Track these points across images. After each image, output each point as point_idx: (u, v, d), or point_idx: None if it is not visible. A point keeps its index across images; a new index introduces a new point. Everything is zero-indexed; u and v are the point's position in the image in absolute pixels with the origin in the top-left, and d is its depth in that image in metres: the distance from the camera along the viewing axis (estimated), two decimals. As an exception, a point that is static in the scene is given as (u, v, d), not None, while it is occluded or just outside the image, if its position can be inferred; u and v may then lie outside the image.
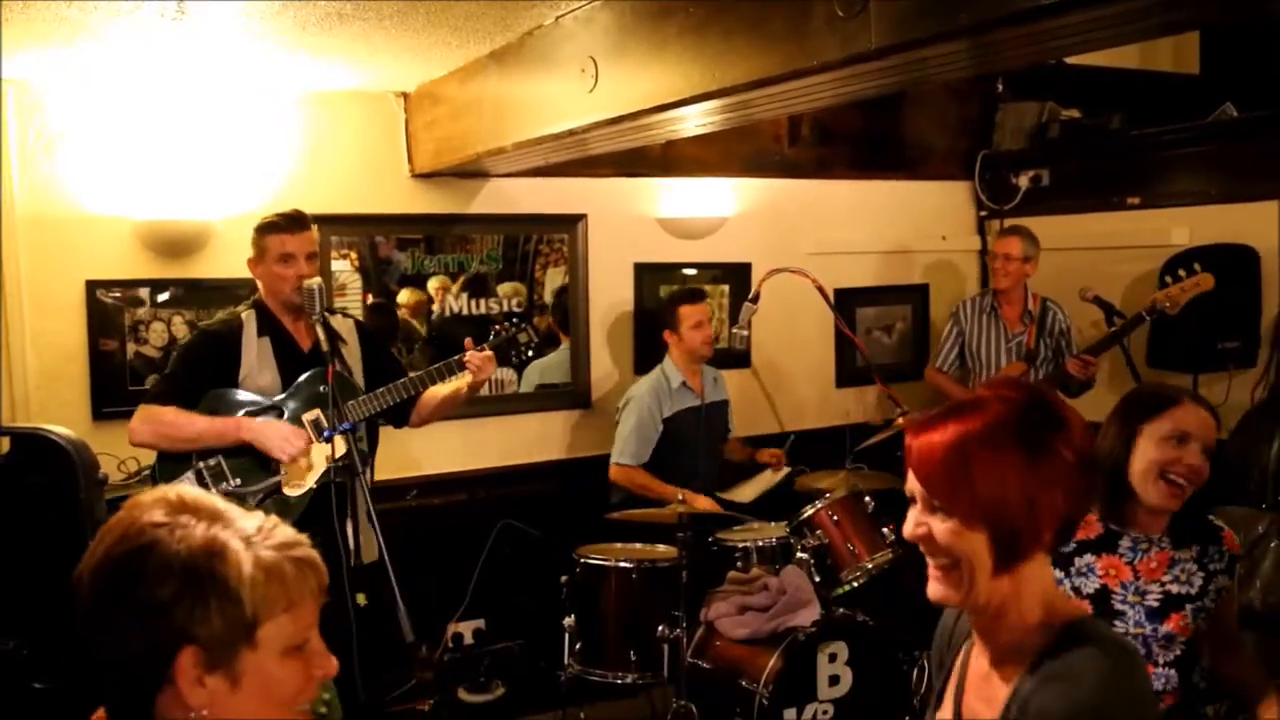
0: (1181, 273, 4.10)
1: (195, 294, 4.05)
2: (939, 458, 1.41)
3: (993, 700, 1.46)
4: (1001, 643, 1.47)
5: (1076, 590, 2.24)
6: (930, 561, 1.46)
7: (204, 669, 1.15)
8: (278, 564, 1.19)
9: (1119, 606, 2.23)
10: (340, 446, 3.06)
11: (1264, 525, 3.16)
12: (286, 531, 1.24)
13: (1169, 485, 2.18)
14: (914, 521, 1.46)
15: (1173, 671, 2.23)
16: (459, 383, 3.49)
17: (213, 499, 1.23)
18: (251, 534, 1.20)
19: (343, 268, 4.34)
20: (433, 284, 4.52)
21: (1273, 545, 3.12)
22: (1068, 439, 1.41)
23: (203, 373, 3.23)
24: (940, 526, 1.42)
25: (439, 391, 3.53)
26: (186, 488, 1.24)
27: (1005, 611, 1.43)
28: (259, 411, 3.23)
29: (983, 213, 5.68)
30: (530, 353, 3.70)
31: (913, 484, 1.46)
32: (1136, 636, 2.21)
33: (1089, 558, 2.26)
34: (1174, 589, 2.24)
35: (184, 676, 1.15)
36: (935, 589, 1.46)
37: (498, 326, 3.74)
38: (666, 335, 4.44)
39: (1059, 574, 2.24)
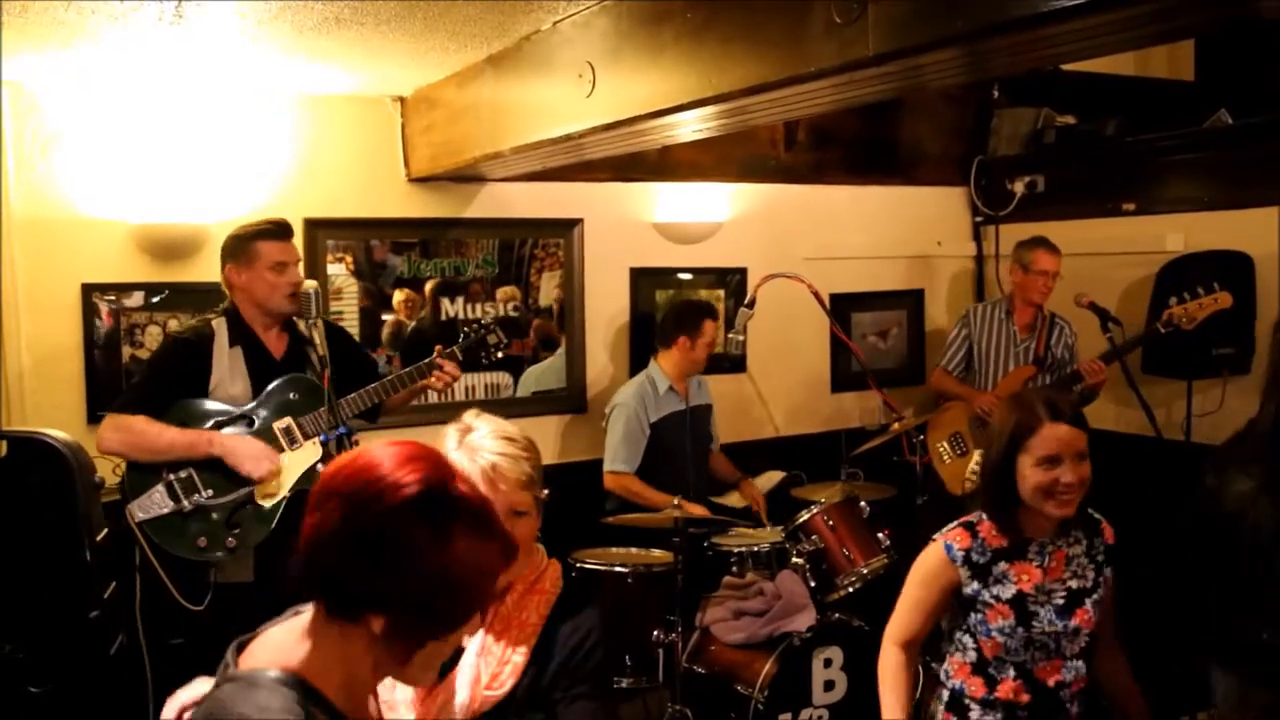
0: (1200, 289, 4.14)
1: (190, 297, 4.04)
2: None
3: None
4: None
5: (996, 598, 2.33)
6: None
7: None
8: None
9: (1033, 608, 2.33)
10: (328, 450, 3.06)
11: None
12: None
13: (1058, 500, 2.27)
14: None
15: (1079, 662, 2.37)
16: (422, 383, 3.52)
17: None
18: None
19: (338, 271, 4.34)
20: (429, 288, 4.52)
21: None
22: None
23: (172, 382, 3.20)
24: None
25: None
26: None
27: None
28: (229, 421, 3.19)
29: (978, 218, 5.69)
30: (499, 354, 3.71)
31: None
32: (1050, 634, 2.33)
33: (1003, 565, 2.35)
34: (1074, 584, 2.37)
35: None
36: None
37: (467, 329, 3.69)
38: (681, 340, 4.36)
39: (977, 585, 2.33)
